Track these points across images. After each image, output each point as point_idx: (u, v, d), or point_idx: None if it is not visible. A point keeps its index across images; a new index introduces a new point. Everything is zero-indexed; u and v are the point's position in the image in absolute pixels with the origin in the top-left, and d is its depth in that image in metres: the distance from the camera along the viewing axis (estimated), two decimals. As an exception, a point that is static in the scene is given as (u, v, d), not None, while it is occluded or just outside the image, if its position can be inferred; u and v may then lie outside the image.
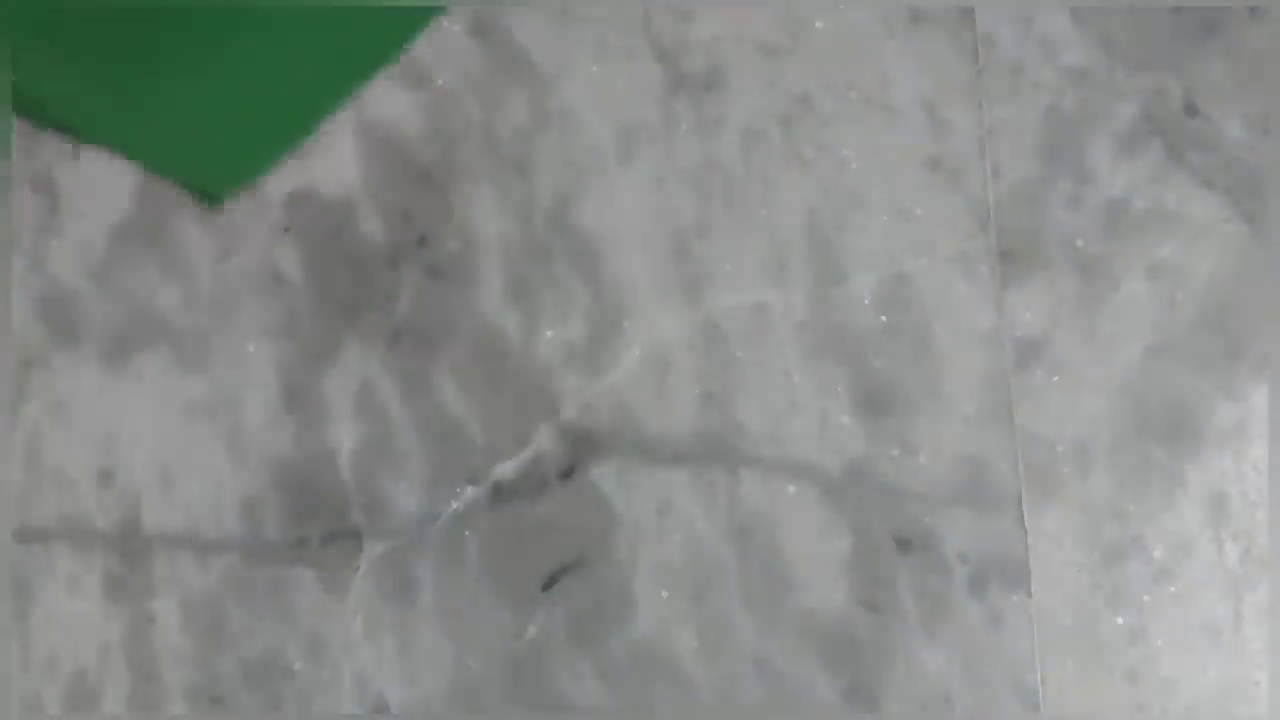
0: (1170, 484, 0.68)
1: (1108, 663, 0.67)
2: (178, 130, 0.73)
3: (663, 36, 0.74)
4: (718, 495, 0.70)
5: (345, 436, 0.72)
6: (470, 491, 0.71)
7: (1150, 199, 0.71)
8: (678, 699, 0.67)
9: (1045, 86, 0.73)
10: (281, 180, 0.73)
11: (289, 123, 0.73)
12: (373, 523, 0.71)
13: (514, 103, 0.73)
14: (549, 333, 0.72)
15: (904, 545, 0.69)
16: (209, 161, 0.73)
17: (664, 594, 0.70)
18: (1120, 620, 0.67)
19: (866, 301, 0.71)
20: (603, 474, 0.71)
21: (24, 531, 0.70)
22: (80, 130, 0.73)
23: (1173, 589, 0.68)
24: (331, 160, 0.73)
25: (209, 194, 0.73)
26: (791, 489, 0.70)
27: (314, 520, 0.71)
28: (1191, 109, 0.72)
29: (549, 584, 0.70)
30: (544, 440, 0.71)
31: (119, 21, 0.67)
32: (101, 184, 0.74)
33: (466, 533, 0.71)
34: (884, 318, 0.71)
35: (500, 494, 0.71)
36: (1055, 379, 0.70)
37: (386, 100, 0.74)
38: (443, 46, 0.74)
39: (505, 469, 0.71)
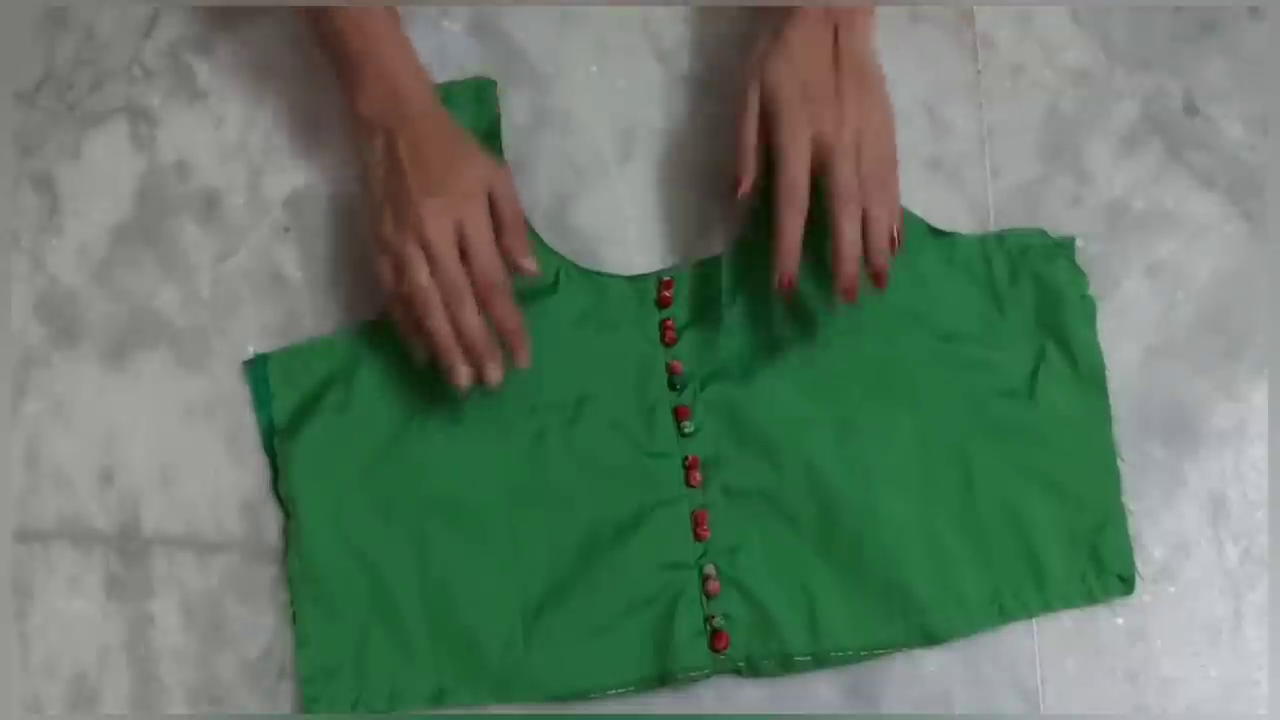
0: (1170, 484, 0.69)
1: (1108, 663, 0.67)
2: None
3: (662, 37, 0.74)
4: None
5: (345, 436, 0.71)
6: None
7: (1150, 199, 0.71)
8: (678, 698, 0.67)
9: (1045, 86, 0.73)
10: (281, 180, 0.73)
11: None
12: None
13: (514, 103, 0.73)
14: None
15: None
16: None
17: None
18: (1120, 620, 0.67)
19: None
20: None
21: (24, 531, 0.70)
22: None
23: (1173, 589, 0.68)
24: (331, 160, 0.73)
25: None
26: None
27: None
28: (1191, 109, 0.72)
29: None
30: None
31: None
32: (101, 184, 0.74)
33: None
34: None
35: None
36: (1055, 379, 0.70)
37: (386, 100, 0.74)
38: (442, 46, 0.74)
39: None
